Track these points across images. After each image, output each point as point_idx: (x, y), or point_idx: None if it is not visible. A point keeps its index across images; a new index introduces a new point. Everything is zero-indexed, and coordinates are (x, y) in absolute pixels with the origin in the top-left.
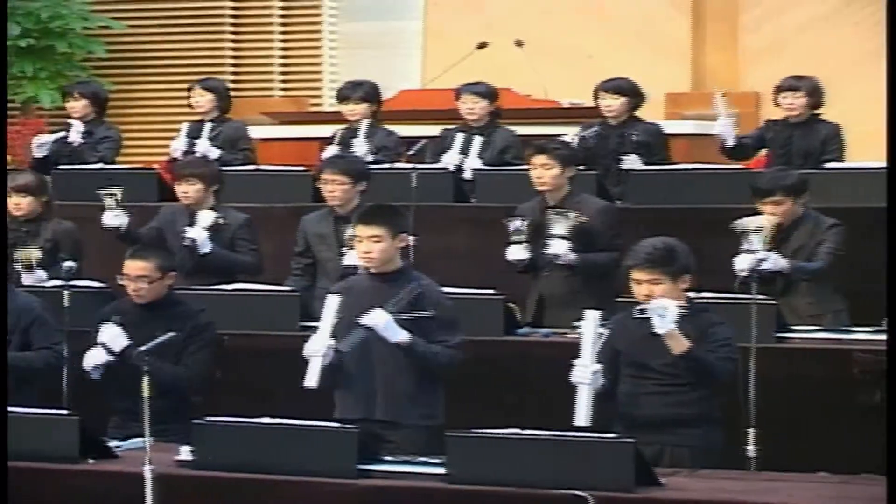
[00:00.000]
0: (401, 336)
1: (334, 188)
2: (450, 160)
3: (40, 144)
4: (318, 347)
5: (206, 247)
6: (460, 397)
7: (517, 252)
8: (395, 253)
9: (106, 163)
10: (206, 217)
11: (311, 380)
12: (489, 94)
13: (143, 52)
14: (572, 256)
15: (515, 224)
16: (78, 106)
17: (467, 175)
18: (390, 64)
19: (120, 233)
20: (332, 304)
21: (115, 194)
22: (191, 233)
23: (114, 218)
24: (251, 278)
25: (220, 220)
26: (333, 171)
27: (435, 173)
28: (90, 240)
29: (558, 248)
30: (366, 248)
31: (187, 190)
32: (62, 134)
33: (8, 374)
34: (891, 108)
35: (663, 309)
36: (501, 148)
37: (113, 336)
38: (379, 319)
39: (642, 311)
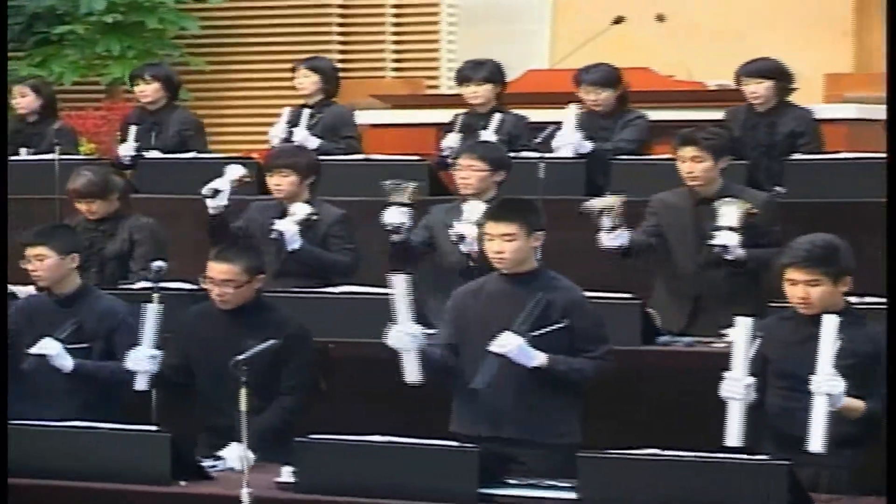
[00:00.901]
0: (537, 360)
1: (469, 175)
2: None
3: (124, 156)
4: (406, 339)
5: (295, 242)
6: (595, 413)
7: (612, 238)
8: (530, 252)
9: (200, 152)
10: (298, 210)
11: (413, 375)
12: (609, 81)
13: (241, 28)
14: (741, 251)
15: (597, 203)
16: (149, 90)
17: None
18: (515, 41)
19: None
20: (400, 285)
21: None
22: (279, 225)
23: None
24: (345, 280)
25: (314, 216)
26: (471, 157)
27: (565, 163)
28: (176, 237)
29: (727, 239)
30: (497, 247)
31: (280, 182)
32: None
33: (88, 385)
34: (891, 108)
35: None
36: (634, 137)
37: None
38: (510, 344)
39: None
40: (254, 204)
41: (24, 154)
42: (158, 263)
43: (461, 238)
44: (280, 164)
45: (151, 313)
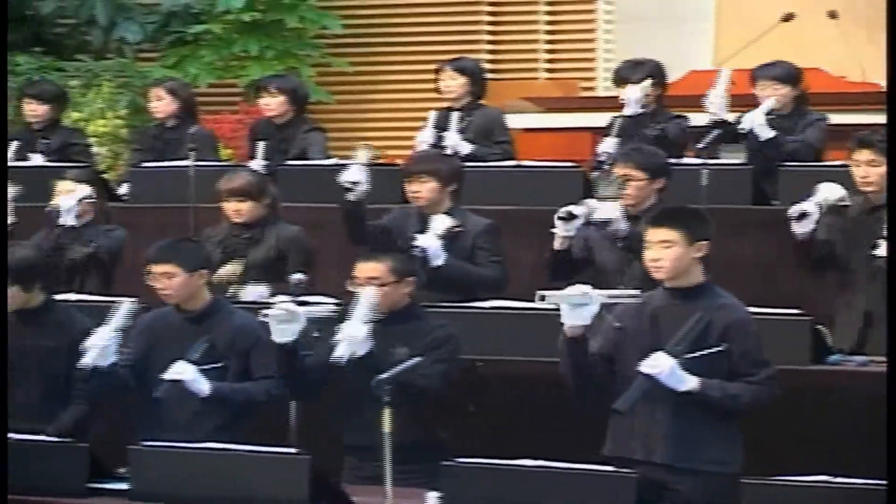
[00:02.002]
0: (688, 384)
1: (626, 184)
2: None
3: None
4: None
5: (438, 258)
6: (759, 438)
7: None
8: (693, 264)
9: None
10: (439, 223)
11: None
12: (790, 77)
13: (385, 27)
14: None
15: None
16: (274, 103)
17: None
18: (676, 40)
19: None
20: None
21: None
22: (421, 241)
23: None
24: (493, 294)
25: (457, 227)
26: (627, 165)
27: (729, 170)
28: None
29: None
30: (655, 254)
31: (419, 189)
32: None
33: (223, 407)
34: (891, 107)
35: None
36: (818, 137)
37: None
38: (662, 366)
39: None
40: (395, 209)
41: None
42: (298, 276)
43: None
44: (420, 171)
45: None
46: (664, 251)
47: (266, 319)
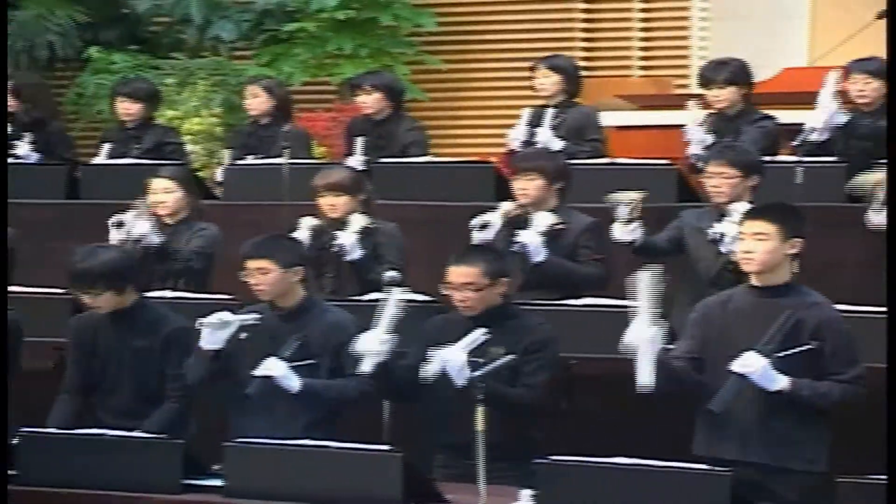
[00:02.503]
0: (779, 384)
1: (720, 182)
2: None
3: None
4: (645, 339)
5: (539, 254)
6: (845, 438)
7: (627, 231)
8: (784, 261)
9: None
10: (541, 220)
11: (645, 378)
12: (884, 72)
13: (479, 24)
14: None
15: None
16: (370, 100)
17: None
18: (771, 37)
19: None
20: (645, 280)
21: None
22: (522, 237)
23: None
24: (596, 292)
25: (560, 224)
26: (720, 163)
27: (826, 167)
28: (409, 246)
29: None
30: (748, 246)
31: (526, 187)
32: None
33: (314, 404)
34: (891, 108)
35: None
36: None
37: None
38: (754, 366)
39: None
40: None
41: (249, 159)
42: (391, 274)
43: (721, 237)
44: (527, 167)
45: (394, 300)
46: (758, 243)
47: (199, 326)
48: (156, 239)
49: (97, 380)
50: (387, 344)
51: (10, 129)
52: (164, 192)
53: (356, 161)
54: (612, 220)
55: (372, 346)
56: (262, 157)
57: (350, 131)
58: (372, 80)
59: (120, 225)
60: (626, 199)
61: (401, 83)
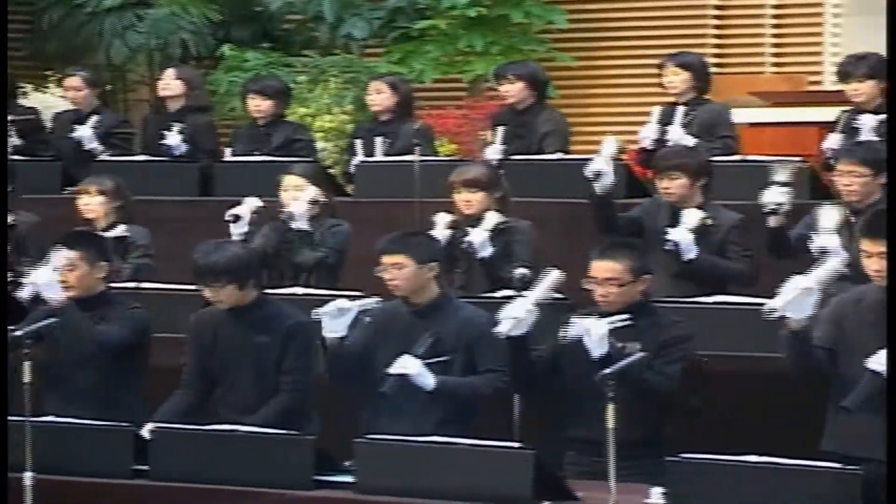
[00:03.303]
0: None
1: (851, 181)
2: None
3: (490, 158)
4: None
5: (690, 252)
6: None
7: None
8: None
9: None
10: (691, 217)
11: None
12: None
13: (609, 21)
14: None
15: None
16: (513, 90)
17: None
18: None
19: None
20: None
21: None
22: (674, 235)
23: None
24: (743, 290)
25: (709, 221)
26: (851, 162)
27: None
28: (544, 241)
29: None
30: (876, 265)
31: (669, 186)
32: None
33: (447, 401)
34: (891, 109)
35: None
36: None
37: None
38: (887, 364)
39: None
40: (647, 201)
41: (359, 154)
42: (522, 271)
43: (822, 251)
44: (670, 166)
45: (550, 278)
46: (883, 262)
47: (317, 316)
48: (304, 225)
49: (216, 375)
50: (532, 315)
51: (156, 120)
52: (296, 190)
53: (494, 150)
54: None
55: (517, 312)
56: (382, 155)
57: (493, 120)
58: (515, 69)
59: (237, 219)
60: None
61: (543, 73)
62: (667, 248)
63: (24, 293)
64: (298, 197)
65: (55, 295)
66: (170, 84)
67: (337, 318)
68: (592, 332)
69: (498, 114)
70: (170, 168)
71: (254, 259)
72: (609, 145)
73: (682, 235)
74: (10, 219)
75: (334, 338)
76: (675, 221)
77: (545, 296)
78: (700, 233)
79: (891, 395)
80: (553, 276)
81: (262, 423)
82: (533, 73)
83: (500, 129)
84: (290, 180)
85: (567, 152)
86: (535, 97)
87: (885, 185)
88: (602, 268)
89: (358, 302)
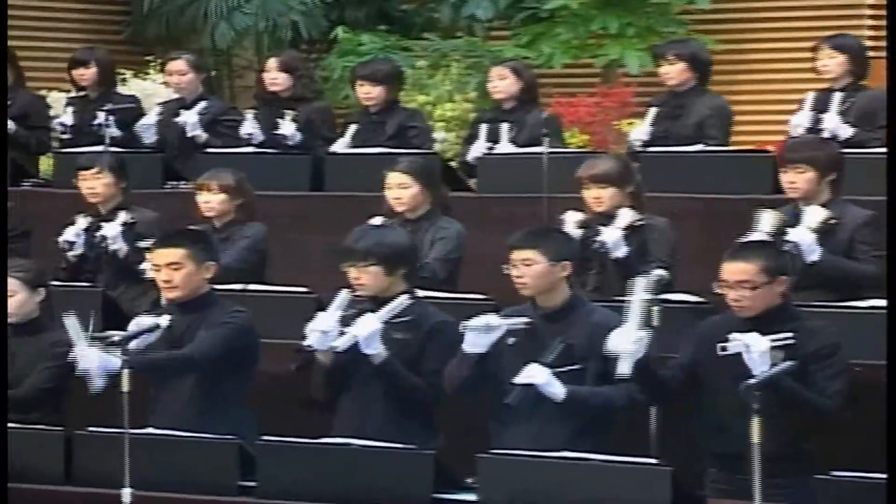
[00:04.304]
0: None
1: (796, 178)
2: None
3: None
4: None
5: (813, 253)
6: None
7: None
8: None
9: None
10: (814, 215)
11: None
12: None
13: (757, 1)
14: None
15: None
16: (672, 71)
17: None
18: None
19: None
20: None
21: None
22: (793, 235)
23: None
24: (875, 293)
25: (833, 220)
26: (795, 159)
27: None
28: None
29: None
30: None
31: (795, 180)
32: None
33: (580, 412)
34: (891, 109)
35: None
36: None
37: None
38: None
39: None
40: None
41: (482, 141)
42: (660, 272)
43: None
44: (796, 159)
45: (639, 292)
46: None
47: (464, 329)
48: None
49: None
50: (642, 340)
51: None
52: (400, 188)
53: (641, 132)
54: None
55: (625, 345)
56: (507, 144)
57: (650, 102)
58: (675, 49)
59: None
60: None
61: (706, 54)
62: (785, 249)
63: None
64: (401, 196)
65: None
66: (277, 78)
67: (483, 334)
68: (753, 349)
69: (657, 97)
70: (279, 161)
71: (410, 249)
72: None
73: (803, 236)
74: (128, 216)
75: (474, 353)
76: (797, 221)
77: (644, 313)
78: (823, 232)
79: (891, 396)
80: (641, 289)
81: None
82: (695, 53)
83: (653, 111)
84: (393, 178)
85: (727, 143)
86: (696, 79)
87: (833, 183)
88: (733, 270)
89: (508, 321)
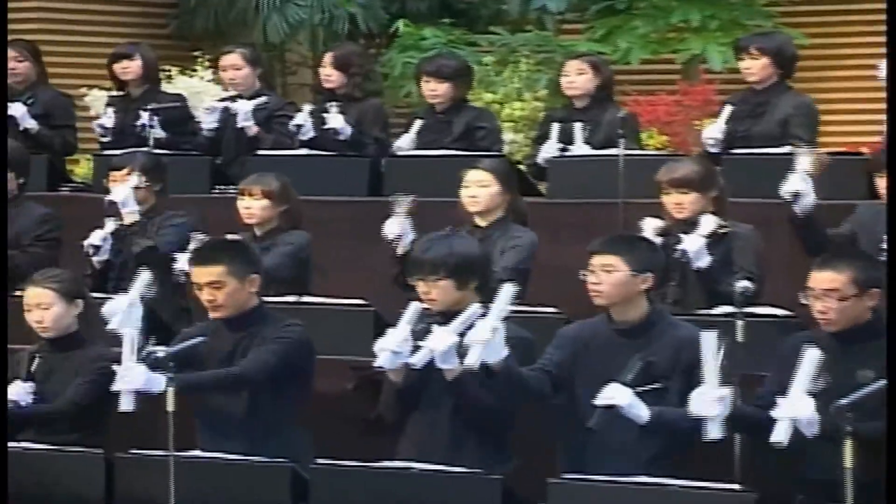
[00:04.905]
0: None
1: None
2: None
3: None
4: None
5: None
6: None
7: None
8: None
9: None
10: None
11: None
12: None
13: None
14: None
15: None
16: (754, 66)
17: None
18: None
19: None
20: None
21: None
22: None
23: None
24: None
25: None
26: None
27: None
28: (769, 248)
29: None
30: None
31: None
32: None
33: (662, 434)
34: (891, 109)
35: None
36: None
37: None
38: None
39: None
40: (860, 207)
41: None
42: (745, 284)
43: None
44: (885, 162)
45: (710, 343)
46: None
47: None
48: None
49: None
50: (725, 400)
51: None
52: (478, 186)
53: (714, 131)
54: None
55: (708, 409)
56: (579, 146)
57: (729, 100)
58: (759, 42)
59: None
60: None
61: (793, 49)
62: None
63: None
64: (478, 195)
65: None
66: (331, 75)
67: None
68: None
69: (736, 96)
70: (335, 163)
71: (482, 260)
72: (804, 160)
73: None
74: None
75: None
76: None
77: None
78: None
79: (891, 398)
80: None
81: None
82: (780, 47)
83: (728, 109)
84: (473, 175)
85: (813, 143)
86: (778, 76)
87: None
88: (821, 278)
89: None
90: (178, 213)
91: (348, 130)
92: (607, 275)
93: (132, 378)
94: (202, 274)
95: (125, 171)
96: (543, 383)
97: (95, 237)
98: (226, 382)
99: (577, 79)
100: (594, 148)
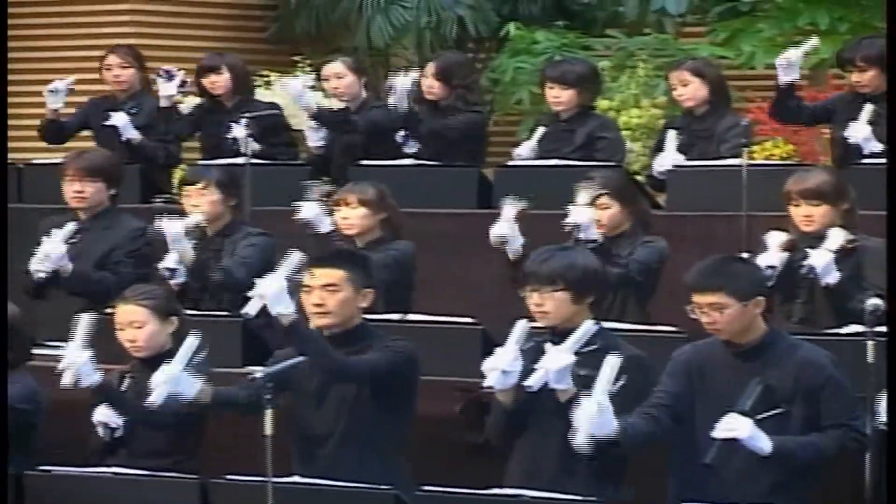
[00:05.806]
0: None
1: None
2: None
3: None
4: None
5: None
6: None
7: None
8: None
9: None
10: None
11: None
12: None
13: None
14: None
15: None
16: (864, 78)
17: None
18: None
19: None
20: None
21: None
22: None
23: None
24: None
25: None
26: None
27: None
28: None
29: None
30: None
31: None
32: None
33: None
34: (891, 109)
35: None
36: None
37: None
38: None
39: None
40: None
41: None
42: (876, 301)
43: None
44: None
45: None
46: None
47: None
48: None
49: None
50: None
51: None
52: (600, 209)
53: (859, 131)
54: None
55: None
56: (699, 157)
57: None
58: (866, 50)
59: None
60: None
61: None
62: None
63: (250, 308)
64: (600, 217)
65: (286, 310)
66: (433, 86)
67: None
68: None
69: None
70: (442, 174)
71: (601, 275)
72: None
73: None
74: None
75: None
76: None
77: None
78: None
79: (891, 399)
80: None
81: None
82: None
83: (868, 111)
84: (587, 192)
85: None
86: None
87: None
88: None
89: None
90: (254, 230)
91: (134, 133)
92: (719, 314)
93: (167, 382)
94: (320, 276)
95: (201, 185)
96: (657, 425)
97: (170, 260)
98: (329, 366)
99: (684, 90)
100: (714, 158)
